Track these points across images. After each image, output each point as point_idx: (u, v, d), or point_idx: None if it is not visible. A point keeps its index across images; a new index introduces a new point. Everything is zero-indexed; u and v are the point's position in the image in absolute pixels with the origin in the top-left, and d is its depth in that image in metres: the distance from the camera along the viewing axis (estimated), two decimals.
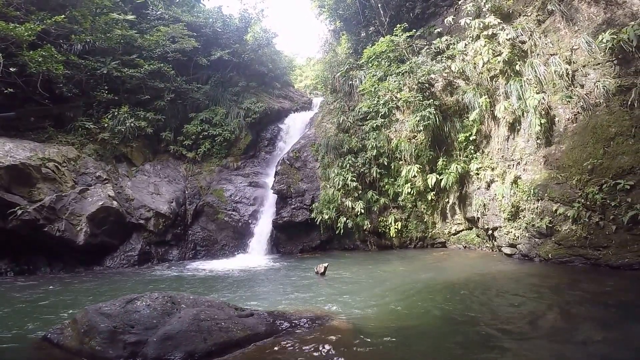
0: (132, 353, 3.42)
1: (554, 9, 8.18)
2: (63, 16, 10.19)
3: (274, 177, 11.73)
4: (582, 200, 6.90)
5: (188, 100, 13.51)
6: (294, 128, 14.39)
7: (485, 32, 9.27)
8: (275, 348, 3.70)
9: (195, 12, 15.66)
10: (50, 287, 7.30)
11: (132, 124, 11.31)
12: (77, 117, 10.89)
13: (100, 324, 3.56)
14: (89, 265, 9.25)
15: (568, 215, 7.03)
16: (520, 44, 8.79)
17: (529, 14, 8.92)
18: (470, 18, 9.69)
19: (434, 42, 11.30)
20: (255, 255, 10.56)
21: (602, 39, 7.06)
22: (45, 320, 4.95)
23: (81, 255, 9.19)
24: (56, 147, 9.77)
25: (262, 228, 11.20)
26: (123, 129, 11.15)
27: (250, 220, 11.36)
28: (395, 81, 11.21)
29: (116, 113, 11.28)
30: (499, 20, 9.13)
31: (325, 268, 7.41)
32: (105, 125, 11.13)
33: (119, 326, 3.56)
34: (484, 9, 9.53)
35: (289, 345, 3.77)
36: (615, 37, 6.83)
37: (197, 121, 13.09)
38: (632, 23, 6.78)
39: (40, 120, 10.38)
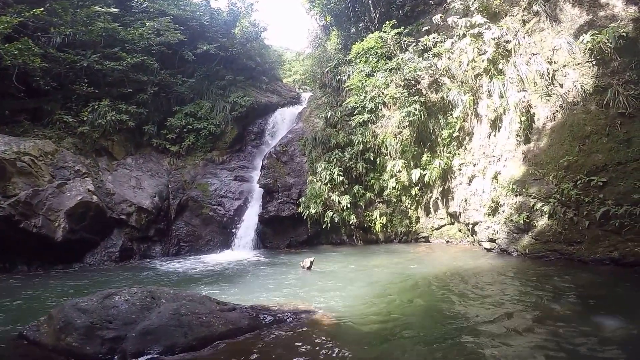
0: (110, 349, 3.37)
1: (539, 9, 8.33)
2: (42, 9, 9.81)
3: (261, 171, 11.66)
4: (558, 196, 7.13)
5: (172, 93, 13.24)
6: (281, 122, 14.30)
7: (471, 31, 9.38)
8: (258, 342, 3.70)
9: (181, 5, 15.24)
10: (27, 284, 7.09)
11: (113, 118, 11.01)
12: (55, 111, 10.53)
13: (77, 320, 3.49)
14: (68, 262, 9.01)
15: (544, 210, 7.26)
16: (504, 43, 8.94)
17: (514, 14, 9.08)
18: (458, 17, 9.80)
19: (421, 39, 11.40)
20: (241, 251, 10.50)
21: (582, 40, 7.25)
22: (21, 317, 4.82)
23: (60, 252, 8.92)
24: (32, 140, 9.41)
25: (248, 223, 11.14)
26: (103, 123, 10.85)
27: (235, 215, 11.26)
28: (382, 77, 11.28)
29: (96, 106, 10.96)
30: (485, 20, 9.25)
31: (311, 262, 7.44)
32: (85, 118, 10.80)
33: (97, 322, 3.49)
34: (471, 8, 9.63)
35: (272, 338, 3.78)
36: (595, 38, 7.01)
37: (181, 115, 12.86)
38: (612, 25, 6.98)
39: (16, 114, 10.01)
